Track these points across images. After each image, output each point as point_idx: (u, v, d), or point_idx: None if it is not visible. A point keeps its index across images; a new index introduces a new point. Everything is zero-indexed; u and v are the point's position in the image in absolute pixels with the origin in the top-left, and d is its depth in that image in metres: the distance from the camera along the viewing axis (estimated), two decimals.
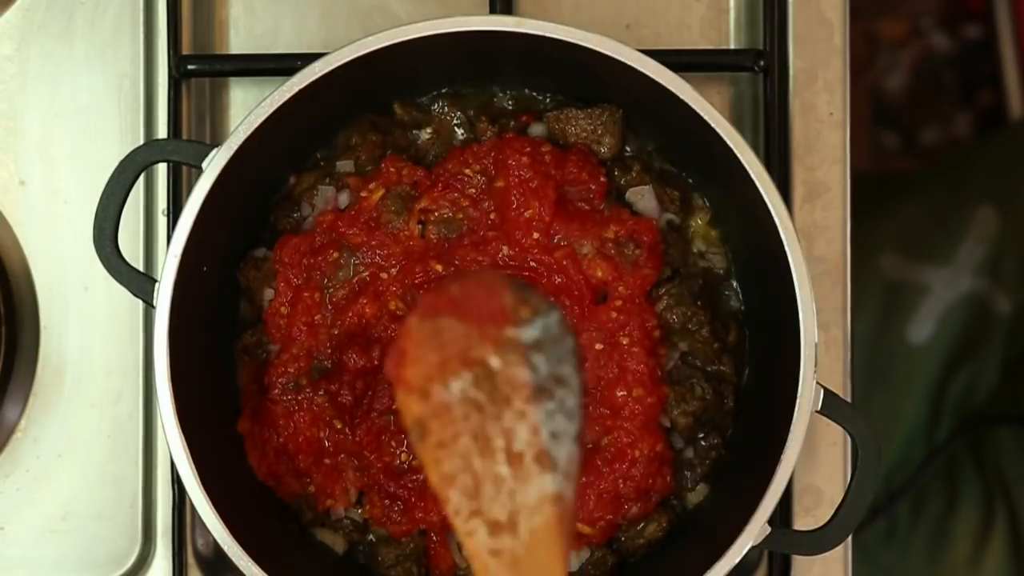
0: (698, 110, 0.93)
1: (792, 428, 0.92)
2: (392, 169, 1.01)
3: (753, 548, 0.92)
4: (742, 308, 1.05)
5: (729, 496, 1.01)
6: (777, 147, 1.07)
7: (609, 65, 0.94)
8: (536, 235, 0.99)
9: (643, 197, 1.03)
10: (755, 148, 0.94)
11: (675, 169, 1.06)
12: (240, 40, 1.13)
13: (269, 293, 1.03)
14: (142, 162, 0.95)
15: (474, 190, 1.01)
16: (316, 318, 1.01)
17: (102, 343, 1.11)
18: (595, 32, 0.93)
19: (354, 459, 1.00)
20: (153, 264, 1.10)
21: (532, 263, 1.00)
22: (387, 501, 1.00)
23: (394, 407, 1.00)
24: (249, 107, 1.00)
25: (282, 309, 1.02)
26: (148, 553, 1.10)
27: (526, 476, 0.71)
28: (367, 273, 1.01)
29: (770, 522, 0.92)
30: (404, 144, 1.05)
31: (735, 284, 1.05)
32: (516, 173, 0.99)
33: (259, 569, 0.92)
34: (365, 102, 1.04)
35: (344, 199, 1.03)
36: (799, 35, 1.11)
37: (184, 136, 1.09)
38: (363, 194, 1.02)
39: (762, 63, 1.08)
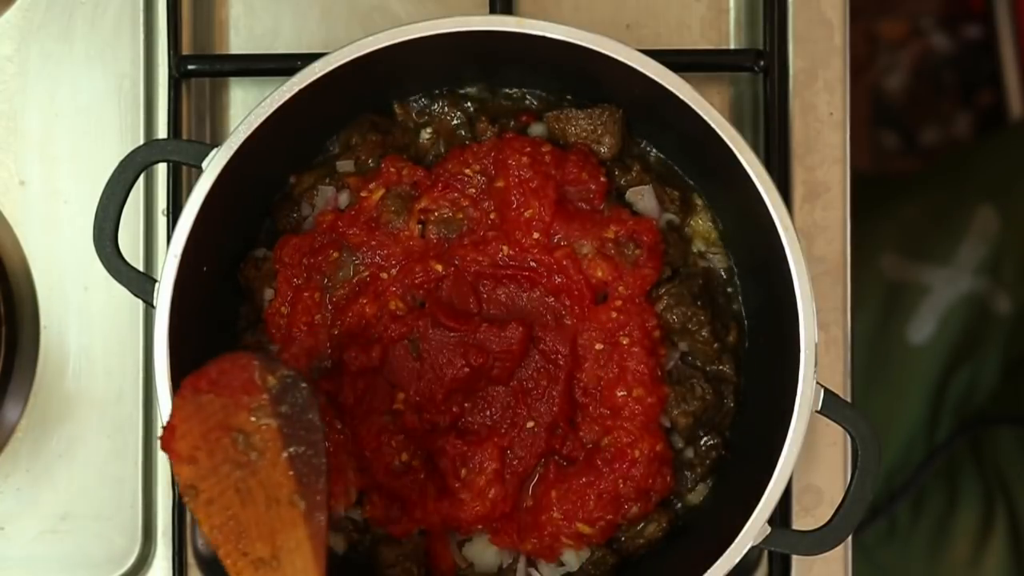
0: (698, 110, 0.93)
1: (792, 428, 0.92)
2: (392, 169, 1.01)
3: (753, 548, 0.92)
4: (742, 308, 1.05)
5: (729, 496, 1.01)
6: (777, 147, 1.07)
7: (609, 65, 0.94)
8: (536, 235, 0.99)
9: (643, 197, 1.03)
10: (755, 148, 0.95)
11: (675, 169, 1.06)
12: (240, 40, 1.13)
13: (269, 293, 1.03)
14: (142, 162, 0.95)
15: (474, 190, 1.01)
16: (316, 318, 1.01)
17: (102, 343, 1.11)
18: (595, 32, 0.93)
19: (354, 459, 1.00)
20: (153, 264, 1.10)
21: (532, 263, 1.00)
22: (387, 501, 1.00)
23: (394, 407, 1.00)
24: (249, 107, 1.00)
25: (282, 309, 1.02)
26: (148, 553, 1.10)
27: (282, 517, 0.85)
28: (367, 273, 1.01)
29: (770, 522, 0.92)
30: (404, 144, 1.05)
31: (735, 284, 1.05)
32: (516, 173, 0.99)
33: None
34: (365, 102, 1.04)
35: (344, 199, 1.03)
36: (799, 35, 1.11)
37: (184, 136, 1.09)
38: (363, 194, 1.02)
39: (762, 63, 1.08)
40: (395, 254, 1.01)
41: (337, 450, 1.00)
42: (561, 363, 1.00)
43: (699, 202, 1.06)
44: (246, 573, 0.85)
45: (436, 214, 1.01)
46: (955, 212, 1.69)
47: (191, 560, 1.09)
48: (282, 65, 1.05)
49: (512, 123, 1.05)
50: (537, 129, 1.05)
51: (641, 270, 1.00)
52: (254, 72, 1.11)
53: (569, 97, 1.05)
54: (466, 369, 0.99)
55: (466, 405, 1.00)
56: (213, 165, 0.93)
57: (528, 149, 1.00)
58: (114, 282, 0.96)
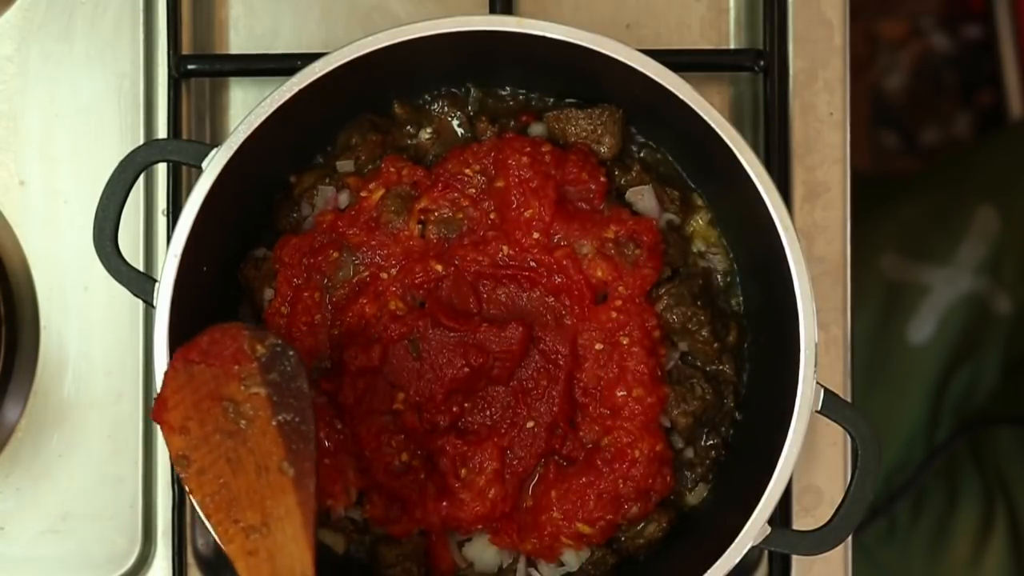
0: (698, 110, 0.93)
1: (792, 428, 0.92)
2: (392, 169, 1.01)
3: (753, 548, 0.92)
4: (742, 308, 1.05)
5: (729, 496, 1.01)
6: (777, 147, 1.07)
7: (609, 65, 0.94)
8: (536, 235, 0.99)
9: (643, 197, 1.03)
10: (755, 148, 0.95)
11: (675, 169, 1.06)
12: (240, 40, 1.13)
13: (269, 293, 1.03)
14: (142, 162, 0.95)
15: (474, 190, 1.01)
16: (316, 318, 1.01)
17: (102, 343, 1.11)
18: (595, 32, 0.93)
19: (354, 459, 1.00)
20: (153, 264, 1.10)
21: (532, 263, 1.00)
22: (387, 501, 1.00)
23: (394, 407, 1.00)
24: (249, 107, 1.00)
25: (282, 309, 1.02)
26: (148, 553, 1.10)
27: (272, 484, 0.86)
28: (367, 273, 1.01)
29: (770, 522, 0.92)
30: (404, 144, 1.05)
31: (735, 284, 1.05)
32: (516, 173, 0.99)
33: None
34: (365, 102, 1.05)
35: (344, 199, 1.03)
36: (799, 35, 1.11)
37: (184, 136, 1.09)
38: (363, 194, 1.02)
39: (762, 63, 1.08)
40: (395, 254, 1.01)
41: (337, 450, 1.00)
42: (561, 363, 1.00)
43: (699, 202, 1.06)
44: (237, 541, 0.86)
45: (436, 214, 1.01)
46: (955, 212, 1.69)
47: (191, 560, 1.09)
48: (282, 65, 1.05)
49: (512, 123, 1.05)
50: (537, 129, 1.05)
51: (641, 270, 1.00)
52: (254, 72, 1.11)
53: (569, 97, 1.05)
54: (466, 369, 0.99)
55: (466, 405, 1.00)
56: (213, 165, 0.93)
57: (528, 149, 1.00)
58: (114, 282, 0.96)
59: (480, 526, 1.01)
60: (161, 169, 1.09)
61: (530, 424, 1.00)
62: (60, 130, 1.12)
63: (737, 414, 1.04)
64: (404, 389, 1.00)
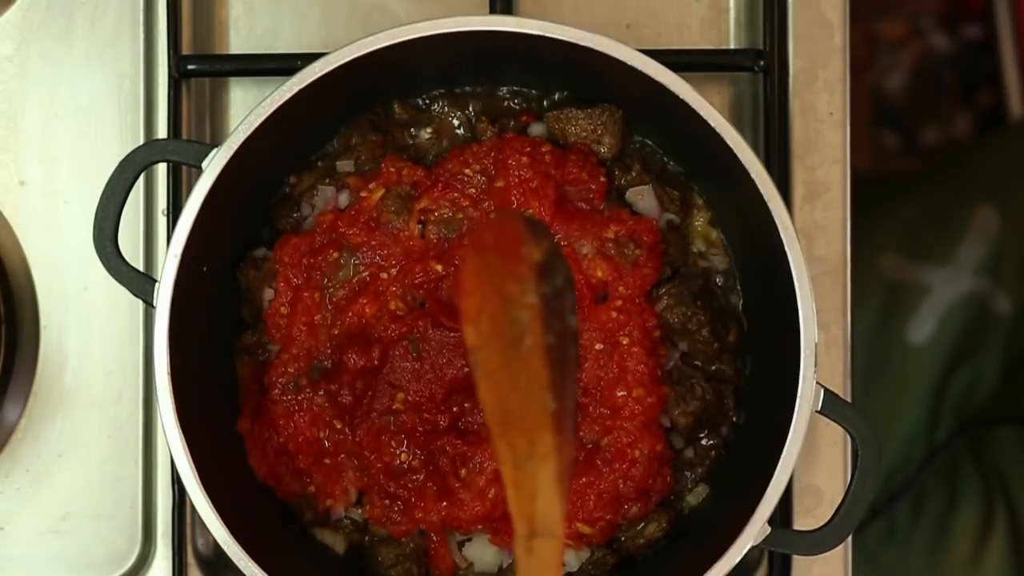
0: (698, 110, 0.93)
1: (792, 428, 0.92)
2: (392, 169, 1.01)
3: (753, 548, 0.92)
4: (742, 308, 1.05)
5: (729, 496, 1.01)
6: (777, 147, 1.07)
7: (609, 65, 0.94)
8: None
9: (643, 197, 1.03)
10: (755, 148, 0.94)
11: (675, 169, 1.06)
12: (240, 40, 1.13)
13: (269, 293, 1.03)
14: (142, 162, 0.95)
15: (474, 190, 1.01)
16: (316, 318, 1.01)
17: (102, 343, 1.11)
18: (595, 32, 0.93)
19: (354, 459, 1.00)
20: (153, 264, 1.10)
21: None
22: (387, 501, 1.00)
23: (394, 407, 1.00)
24: (249, 107, 1.00)
25: (282, 309, 1.02)
26: (148, 553, 1.10)
27: (538, 414, 0.78)
28: (367, 273, 1.01)
29: (770, 522, 0.92)
30: (404, 144, 1.05)
31: (735, 284, 1.05)
32: (516, 173, 0.99)
33: (259, 569, 0.92)
34: (365, 102, 1.05)
35: (344, 199, 1.03)
36: (799, 35, 1.11)
37: (184, 136, 1.09)
38: (363, 194, 1.02)
39: (762, 63, 1.08)
40: (395, 254, 1.01)
41: (337, 450, 1.00)
42: None
43: (699, 202, 1.06)
44: (509, 466, 0.78)
45: (436, 214, 1.01)
46: (955, 212, 1.69)
47: (191, 560, 1.09)
48: (282, 65, 1.05)
49: (512, 123, 1.05)
50: (537, 129, 1.05)
51: (641, 270, 1.00)
52: (254, 72, 1.11)
53: (569, 97, 1.05)
54: (466, 369, 0.99)
55: (466, 405, 1.00)
56: (213, 165, 0.93)
57: (528, 149, 1.00)
58: (114, 282, 0.96)
59: (480, 526, 1.01)
60: (161, 169, 1.09)
61: None
62: (60, 130, 1.12)
63: (737, 414, 1.04)
64: (404, 389, 1.00)
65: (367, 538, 1.04)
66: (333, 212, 1.02)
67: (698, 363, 1.03)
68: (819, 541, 0.93)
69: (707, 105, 0.93)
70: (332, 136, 1.06)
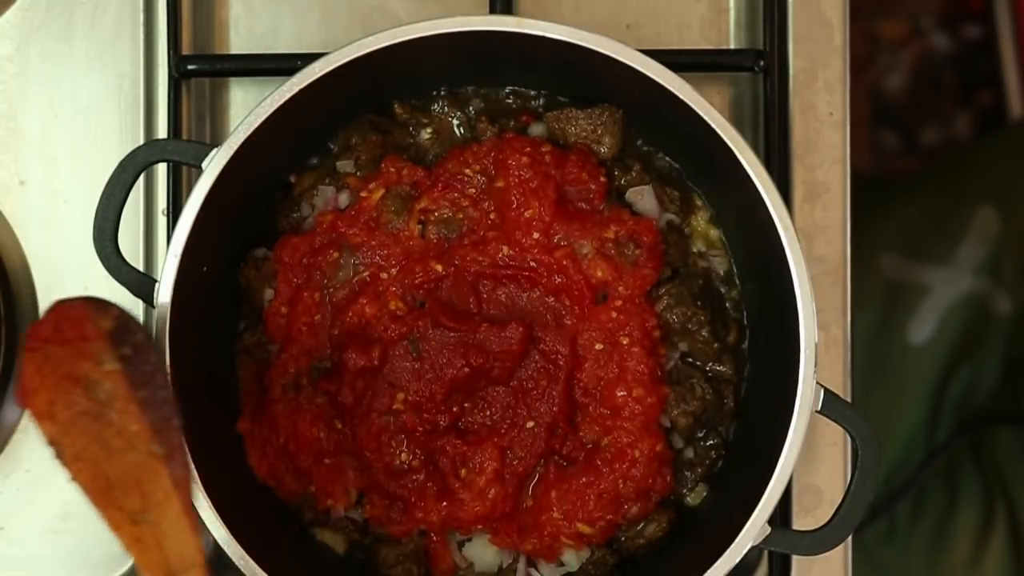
0: (698, 110, 0.93)
1: (792, 428, 0.92)
2: (392, 169, 1.01)
3: (753, 548, 0.92)
4: (742, 308, 1.05)
5: (729, 496, 1.01)
6: (777, 147, 1.07)
7: (609, 65, 0.94)
8: (536, 235, 0.99)
9: (643, 197, 1.03)
10: (755, 148, 0.95)
11: (675, 169, 1.06)
12: (240, 40, 1.13)
13: (269, 293, 1.03)
14: (142, 162, 0.95)
15: (474, 190, 1.01)
16: (316, 318, 1.01)
17: None
18: (595, 32, 0.93)
19: (354, 459, 1.00)
20: (153, 264, 1.10)
21: (532, 263, 1.00)
22: (387, 501, 1.00)
23: (394, 407, 1.00)
24: (249, 107, 1.00)
25: (282, 309, 1.02)
26: None
27: (146, 466, 0.82)
28: (367, 273, 1.01)
29: (770, 522, 0.92)
30: (404, 144, 1.05)
31: (735, 284, 1.05)
32: (516, 173, 0.99)
33: (259, 569, 0.92)
34: (365, 102, 1.04)
35: (344, 199, 1.03)
36: (799, 35, 1.11)
37: (184, 136, 1.09)
38: (363, 194, 1.02)
39: (762, 63, 1.08)
40: (395, 254, 1.01)
41: (337, 450, 1.00)
42: (561, 363, 1.00)
43: (699, 202, 1.06)
44: (124, 527, 0.82)
45: (436, 214, 1.01)
46: (955, 212, 1.69)
47: None
48: (282, 65, 1.05)
49: (512, 123, 1.05)
50: (537, 129, 1.05)
51: (641, 270, 1.00)
52: (254, 72, 1.11)
53: (569, 97, 1.05)
54: (466, 369, 0.99)
55: (466, 405, 1.00)
56: (213, 165, 0.93)
57: (528, 149, 1.00)
58: (114, 282, 0.96)
59: (480, 526, 1.01)
60: (161, 169, 1.09)
61: (530, 424, 1.00)
62: (60, 130, 1.12)
63: (737, 414, 1.04)
64: (404, 389, 1.00)
65: (367, 538, 1.04)
66: (333, 212, 1.02)
67: (698, 363, 1.03)
68: (819, 541, 0.93)
69: (707, 105, 0.93)
70: (332, 136, 1.06)
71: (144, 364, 0.83)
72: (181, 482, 0.82)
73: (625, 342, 0.99)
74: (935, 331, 1.66)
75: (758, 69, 1.08)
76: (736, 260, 1.05)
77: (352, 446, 1.00)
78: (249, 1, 1.13)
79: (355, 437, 1.00)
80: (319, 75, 0.93)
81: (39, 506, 1.11)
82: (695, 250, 1.05)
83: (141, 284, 0.95)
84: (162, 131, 1.10)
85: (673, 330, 1.01)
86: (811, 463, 1.09)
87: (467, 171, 1.01)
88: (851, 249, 1.10)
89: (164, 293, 0.93)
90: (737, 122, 1.10)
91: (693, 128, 0.94)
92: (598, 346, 0.99)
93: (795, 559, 1.08)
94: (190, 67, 1.08)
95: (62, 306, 0.84)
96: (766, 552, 1.09)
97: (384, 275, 1.01)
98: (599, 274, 1.00)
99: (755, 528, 0.92)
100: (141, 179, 1.00)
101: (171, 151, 0.96)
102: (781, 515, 1.06)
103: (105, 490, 0.82)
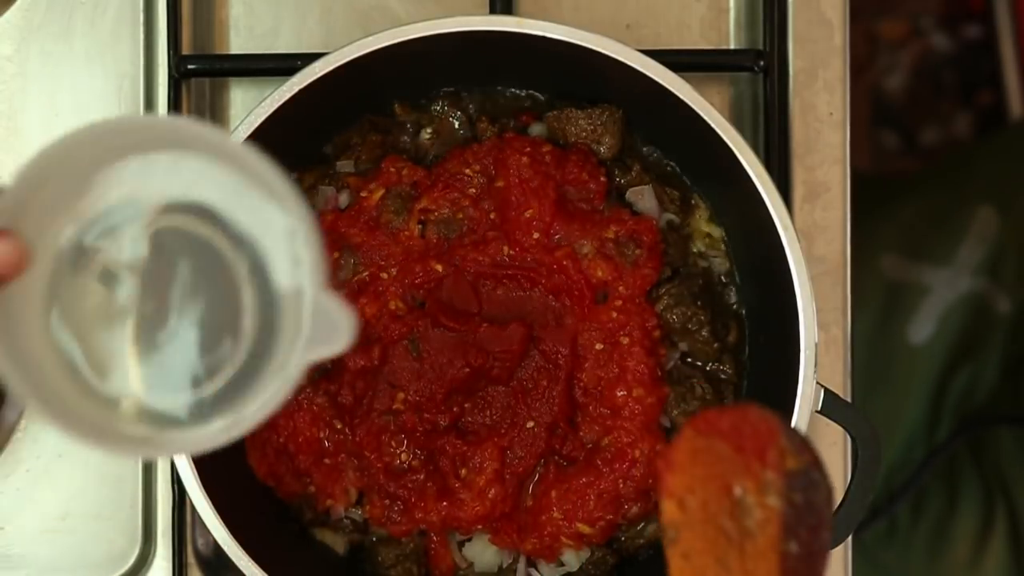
0: (698, 110, 0.93)
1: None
2: (392, 169, 1.01)
3: None
4: (742, 308, 1.05)
5: None
6: (777, 147, 1.07)
7: (609, 65, 0.94)
8: (536, 235, 0.99)
9: (643, 197, 1.03)
10: (755, 148, 0.95)
11: (675, 169, 1.06)
12: (240, 40, 1.13)
13: None
14: None
15: (474, 190, 1.01)
16: None
17: None
18: (595, 32, 0.93)
19: (354, 459, 1.00)
20: None
21: (532, 263, 1.00)
22: (387, 501, 1.00)
23: (394, 407, 1.00)
24: (249, 107, 1.00)
25: None
26: (148, 553, 1.10)
27: None
28: (367, 273, 1.01)
29: None
30: (404, 144, 1.05)
31: (735, 284, 1.05)
32: (516, 173, 0.99)
33: (259, 569, 0.92)
34: (365, 102, 1.04)
35: (344, 199, 1.03)
36: (799, 35, 1.11)
37: None
38: (363, 194, 1.02)
39: (762, 63, 1.08)
40: (395, 254, 1.01)
41: (337, 450, 1.00)
42: (561, 363, 1.00)
43: (699, 202, 1.06)
44: None
45: (436, 214, 1.01)
46: (955, 212, 1.69)
47: (191, 560, 1.09)
48: (282, 65, 1.05)
49: (512, 123, 1.05)
50: (537, 129, 1.05)
51: (641, 270, 1.00)
52: (254, 72, 1.11)
53: (569, 97, 1.05)
54: (466, 369, 0.99)
55: (466, 405, 1.00)
56: None
57: (528, 149, 1.00)
58: None
59: (480, 526, 1.01)
60: None
61: (530, 424, 1.00)
62: (60, 130, 1.10)
63: None
64: (404, 389, 1.00)
65: (367, 538, 1.04)
66: (333, 212, 1.02)
67: (698, 363, 1.03)
68: None
69: (707, 105, 0.93)
70: (332, 136, 1.06)
71: (809, 519, 0.73)
72: None
73: (625, 342, 0.99)
74: (935, 331, 1.66)
75: (758, 69, 1.08)
76: (736, 260, 1.05)
77: (352, 446, 1.00)
78: (249, 1, 1.13)
79: (355, 437, 1.00)
80: (319, 75, 0.93)
81: (39, 506, 1.11)
82: (695, 250, 1.05)
83: None
84: None
85: (673, 330, 1.01)
86: None
87: (467, 171, 1.01)
88: (851, 249, 1.10)
89: None
90: (737, 122, 1.10)
91: (693, 128, 0.94)
92: (598, 346, 1.00)
93: None
94: (190, 67, 1.08)
95: (753, 412, 0.75)
96: None
97: (384, 275, 1.01)
98: (599, 274, 1.00)
99: None
100: None
101: None
102: None
103: None
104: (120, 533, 1.11)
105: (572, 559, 1.02)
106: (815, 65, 1.11)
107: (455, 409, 1.00)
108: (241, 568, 0.93)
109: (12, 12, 1.12)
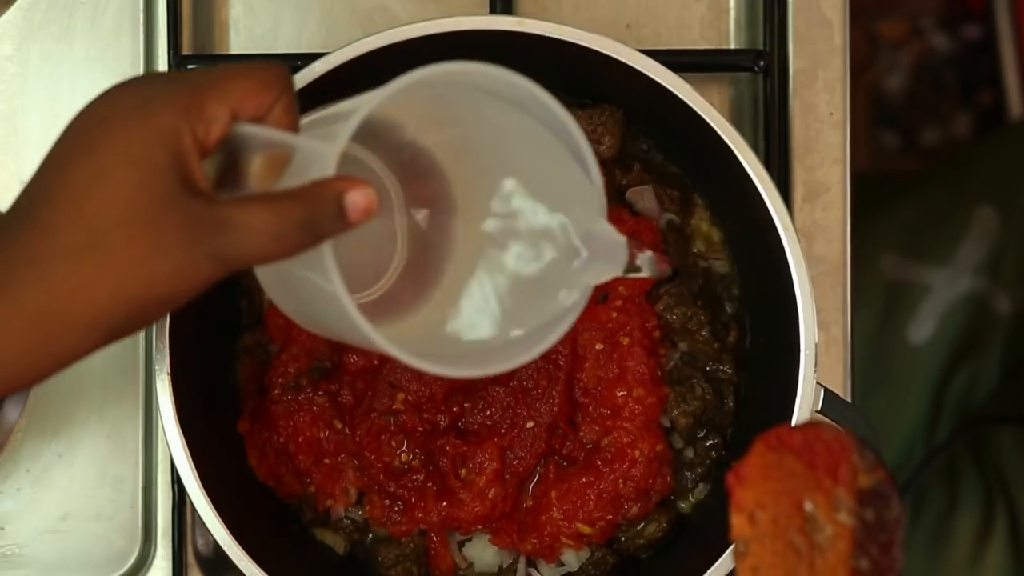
0: (698, 110, 0.93)
1: None
2: None
3: None
4: (742, 308, 1.05)
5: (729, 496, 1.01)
6: (777, 147, 1.07)
7: (609, 65, 0.94)
8: None
9: (643, 197, 1.03)
10: (755, 148, 0.94)
11: (675, 169, 1.06)
12: (240, 40, 1.13)
13: None
14: None
15: None
16: None
17: None
18: (595, 32, 0.93)
19: (354, 459, 1.00)
20: None
21: None
22: (387, 501, 1.00)
23: (394, 407, 1.00)
24: None
25: None
26: (148, 553, 1.10)
27: None
28: None
29: None
30: None
31: (735, 284, 1.05)
32: None
33: (259, 569, 0.92)
34: None
35: None
36: (799, 35, 1.11)
37: None
38: None
39: (762, 63, 1.08)
40: None
41: (337, 450, 1.00)
42: (561, 363, 0.99)
43: (699, 202, 1.06)
44: None
45: None
46: (955, 212, 1.69)
47: (191, 560, 1.09)
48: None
49: None
50: None
51: None
52: None
53: (569, 97, 1.05)
54: None
55: (466, 405, 1.00)
56: None
57: None
58: None
59: (480, 526, 1.00)
60: None
61: (530, 424, 0.99)
62: (60, 130, 1.12)
63: (737, 414, 1.04)
64: (404, 389, 1.00)
65: (367, 538, 1.04)
66: None
67: (698, 363, 1.03)
68: None
69: (707, 105, 0.93)
70: None
71: (881, 537, 0.73)
72: None
73: (625, 342, 0.99)
74: (935, 331, 1.66)
75: (758, 69, 1.08)
76: (736, 260, 1.05)
77: (352, 446, 1.00)
78: (249, 1, 1.13)
79: (355, 437, 1.00)
80: (319, 75, 0.93)
81: (39, 506, 1.11)
82: (695, 250, 1.05)
83: None
84: None
85: (673, 330, 1.01)
86: None
87: None
88: (851, 249, 1.10)
89: None
90: (737, 122, 1.10)
91: (693, 128, 0.94)
92: (598, 346, 0.99)
93: None
94: (190, 67, 1.08)
95: (823, 430, 0.76)
96: None
97: None
98: None
99: None
100: None
101: None
102: None
103: None
104: (120, 533, 1.10)
105: (572, 559, 1.02)
106: (815, 65, 1.11)
107: (455, 409, 1.00)
108: (241, 568, 0.93)
109: (12, 12, 1.12)
